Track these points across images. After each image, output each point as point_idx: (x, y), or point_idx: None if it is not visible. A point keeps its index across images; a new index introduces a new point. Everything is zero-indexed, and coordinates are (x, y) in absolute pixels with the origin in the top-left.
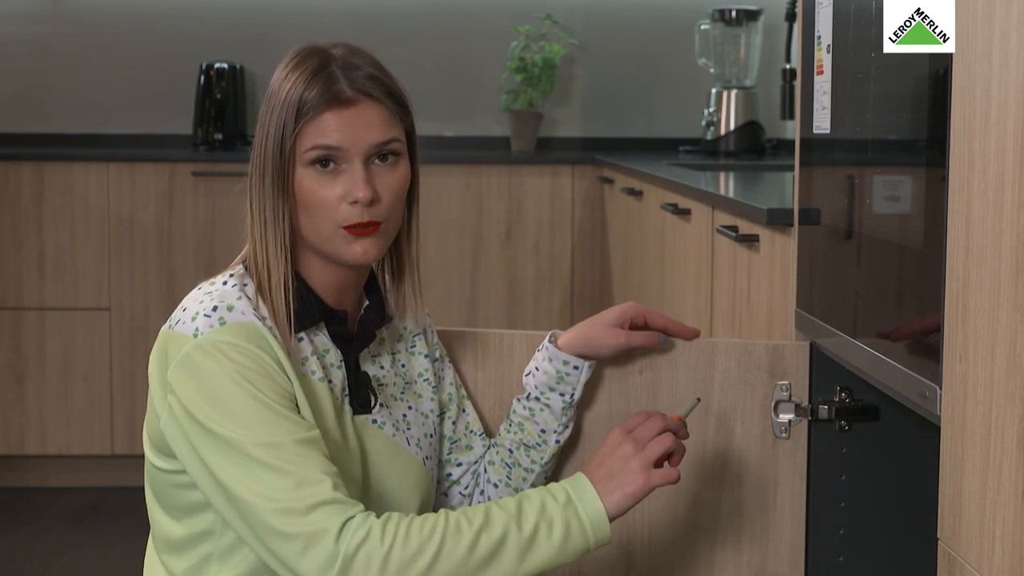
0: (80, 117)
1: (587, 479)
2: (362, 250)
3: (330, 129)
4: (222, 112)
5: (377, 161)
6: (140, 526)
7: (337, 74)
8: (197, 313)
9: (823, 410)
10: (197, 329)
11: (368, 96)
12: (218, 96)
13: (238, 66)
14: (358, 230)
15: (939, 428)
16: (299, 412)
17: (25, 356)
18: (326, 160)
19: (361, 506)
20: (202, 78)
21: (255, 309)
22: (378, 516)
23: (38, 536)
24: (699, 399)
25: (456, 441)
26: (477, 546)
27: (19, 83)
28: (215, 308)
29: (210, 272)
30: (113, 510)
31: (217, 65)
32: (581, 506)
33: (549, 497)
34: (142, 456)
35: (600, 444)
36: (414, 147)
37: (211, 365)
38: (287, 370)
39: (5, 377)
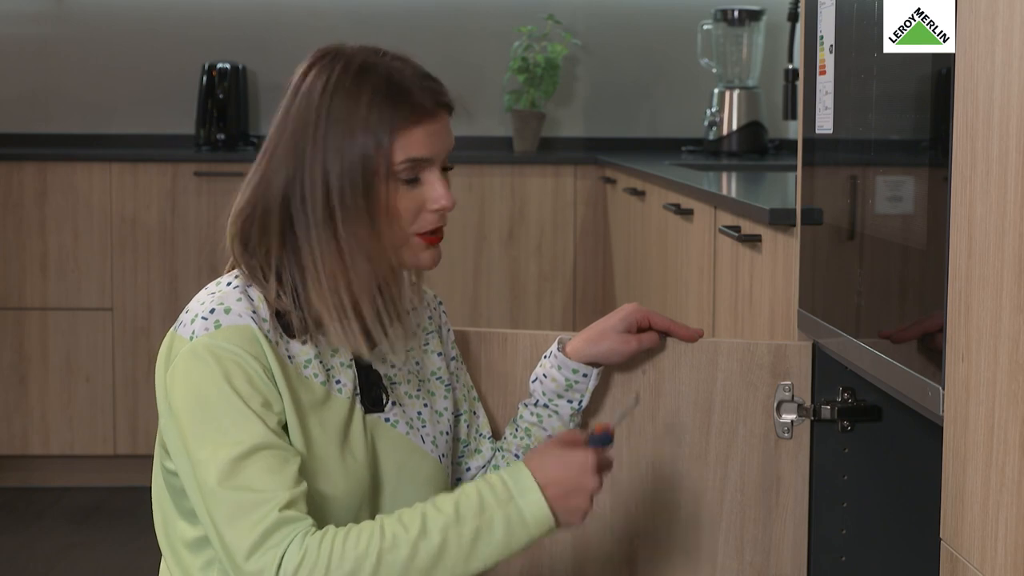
0: (83, 117)
1: (533, 481)
2: (433, 258)
3: (421, 143)
4: (224, 112)
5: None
6: (143, 526)
7: (410, 86)
8: (196, 315)
9: (825, 410)
10: (193, 332)
11: (441, 105)
12: (221, 96)
13: (240, 66)
14: (433, 236)
15: (942, 428)
16: (279, 421)
17: (28, 356)
18: (413, 172)
19: (305, 523)
20: (204, 78)
21: (254, 312)
22: (319, 527)
23: (41, 536)
24: (637, 398)
25: (468, 444)
26: (416, 557)
27: (22, 84)
28: (212, 311)
29: (212, 272)
30: (116, 510)
31: (220, 65)
32: (523, 502)
33: (488, 492)
34: (145, 456)
35: (563, 448)
36: None
37: (200, 368)
38: (276, 376)
39: (8, 377)
